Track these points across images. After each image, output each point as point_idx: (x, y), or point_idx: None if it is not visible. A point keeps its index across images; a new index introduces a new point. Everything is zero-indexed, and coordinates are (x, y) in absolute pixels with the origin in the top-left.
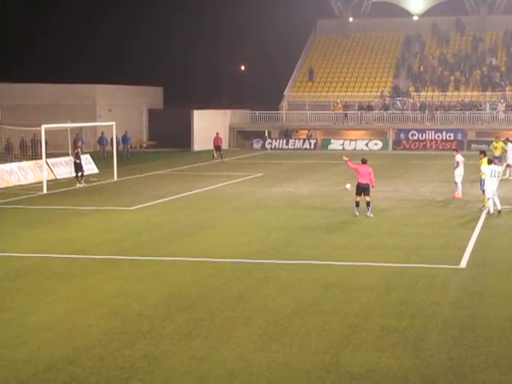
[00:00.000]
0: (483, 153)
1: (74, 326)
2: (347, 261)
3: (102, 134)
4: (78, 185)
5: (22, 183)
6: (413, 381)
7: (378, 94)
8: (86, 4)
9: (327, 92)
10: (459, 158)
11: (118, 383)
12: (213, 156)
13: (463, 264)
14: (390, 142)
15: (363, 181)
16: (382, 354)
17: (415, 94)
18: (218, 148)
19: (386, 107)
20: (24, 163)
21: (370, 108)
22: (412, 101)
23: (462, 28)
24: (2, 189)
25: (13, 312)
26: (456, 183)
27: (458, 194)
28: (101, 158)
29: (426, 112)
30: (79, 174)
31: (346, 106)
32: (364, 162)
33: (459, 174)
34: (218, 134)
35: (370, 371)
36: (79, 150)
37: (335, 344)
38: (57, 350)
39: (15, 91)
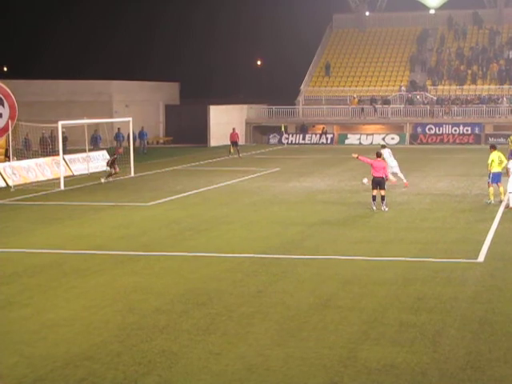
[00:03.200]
0: (493, 147)
1: (91, 322)
2: (364, 255)
3: (119, 129)
4: (102, 180)
5: (39, 179)
6: (431, 375)
7: (395, 88)
8: (103, 0)
9: (343, 86)
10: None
11: (136, 379)
12: (229, 151)
13: (481, 258)
14: (407, 136)
15: (378, 174)
16: (400, 348)
17: (432, 88)
18: (234, 143)
19: (409, 101)
20: (41, 159)
21: (386, 102)
22: (429, 95)
23: (479, 21)
24: (20, 185)
25: (31, 308)
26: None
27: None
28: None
29: (443, 106)
30: (108, 171)
31: (362, 101)
32: (379, 155)
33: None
34: (234, 129)
35: (388, 366)
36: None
37: (353, 339)
38: (74, 346)
39: (32, 88)
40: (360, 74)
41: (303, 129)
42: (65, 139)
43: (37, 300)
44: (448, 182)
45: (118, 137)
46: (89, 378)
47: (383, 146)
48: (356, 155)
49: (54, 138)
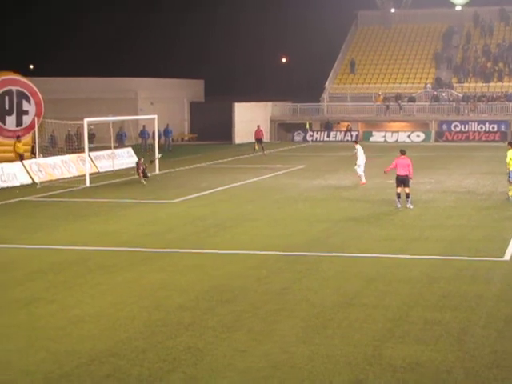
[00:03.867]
0: (511, 144)
1: (117, 319)
2: (389, 253)
3: (144, 127)
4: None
5: (65, 176)
6: (456, 374)
7: (421, 85)
8: None
9: (368, 84)
10: None
11: (161, 375)
12: (254, 149)
13: (507, 256)
14: (433, 133)
15: (402, 172)
16: (425, 347)
17: (458, 85)
18: (259, 141)
19: (435, 98)
20: (67, 157)
21: (411, 99)
22: (455, 92)
23: (505, 18)
24: (46, 182)
25: (57, 304)
26: None
27: None
28: (142, 151)
29: (469, 103)
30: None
31: (387, 98)
32: (403, 153)
33: None
34: (259, 126)
35: (413, 364)
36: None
37: (378, 337)
38: (100, 343)
39: (58, 85)
40: (385, 71)
41: (328, 126)
42: (92, 136)
43: (62, 296)
44: (473, 180)
45: (143, 134)
46: (114, 374)
47: (355, 142)
48: (385, 171)
49: (80, 136)
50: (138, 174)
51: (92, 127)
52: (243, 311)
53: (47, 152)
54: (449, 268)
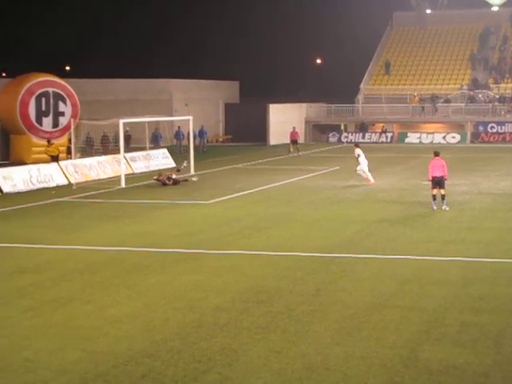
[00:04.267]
0: None
1: (152, 319)
2: (425, 255)
3: (179, 128)
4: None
5: (100, 177)
6: (494, 377)
7: (456, 86)
8: (163, 0)
9: (404, 85)
10: None
11: (196, 376)
12: (289, 150)
13: None
14: (468, 134)
15: (437, 173)
16: (462, 349)
17: (494, 86)
18: (294, 142)
19: (471, 99)
20: (103, 157)
21: (447, 101)
22: (491, 93)
23: None
24: (82, 183)
25: (93, 304)
26: None
27: None
28: (177, 153)
29: (506, 104)
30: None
31: (422, 99)
32: (436, 154)
33: None
34: (294, 128)
35: (449, 367)
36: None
37: (413, 339)
38: (136, 343)
39: (93, 86)
40: (420, 73)
41: (363, 127)
42: (128, 137)
43: (98, 296)
44: (510, 182)
45: (178, 135)
46: (150, 374)
47: (356, 145)
48: (429, 180)
49: (116, 137)
50: (168, 183)
51: (128, 129)
52: (278, 312)
53: (84, 153)
54: (485, 270)
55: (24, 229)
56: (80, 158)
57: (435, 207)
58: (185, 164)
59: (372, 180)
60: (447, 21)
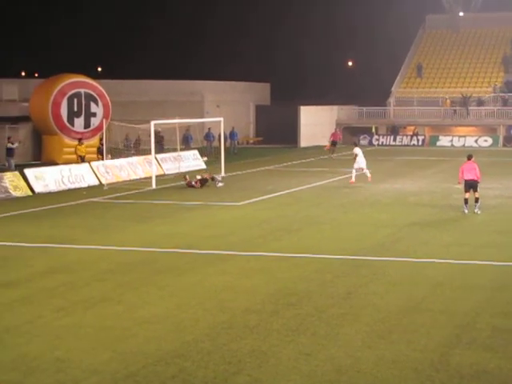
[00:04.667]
0: None
1: (182, 320)
2: (456, 259)
3: (209, 129)
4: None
5: (131, 178)
6: None
7: (489, 89)
8: (196, 2)
9: (436, 88)
10: None
11: (226, 378)
12: (328, 150)
13: None
14: (501, 138)
15: (470, 176)
16: (493, 354)
17: None
18: (334, 143)
19: (504, 102)
20: (134, 158)
21: (479, 104)
22: None
23: None
24: (113, 183)
25: (123, 305)
26: None
27: None
28: (208, 154)
29: None
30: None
31: (454, 102)
32: (469, 158)
33: None
34: (336, 129)
35: (480, 372)
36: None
37: (444, 343)
38: (166, 344)
39: (125, 88)
40: (453, 75)
41: (394, 130)
42: (161, 139)
43: (129, 297)
44: None
45: (208, 137)
46: (180, 375)
47: (355, 144)
48: (459, 183)
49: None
50: (196, 186)
51: (160, 130)
52: (308, 315)
53: (121, 154)
54: None
55: (55, 229)
56: (119, 158)
57: (467, 211)
58: (203, 159)
59: (369, 175)
60: (480, 23)
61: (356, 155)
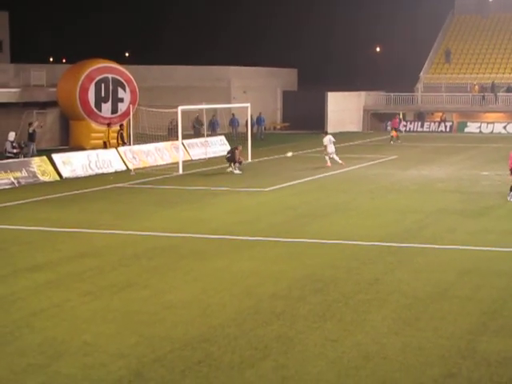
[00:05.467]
0: None
1: (208, 305)
2: (484, 246)
3: (233, 115)
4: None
5: (158, 164)
6: None
7: None
8: None
9: (464, 74)
10: None
11: (252, 363)
12: (392, 137)
13: None
14: None
15: None
16: None
17: None
18: (396, 129)
19: None
20: (161, 144)
21: (509, 90)
22: None
23: None
24: (140, 169)
25: (150, 289)
26: None
27: None
28: (234, 140)
29: None
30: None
31: (483, 88)
32: None
33: None
34: (397, 115)
35: (508, 359)
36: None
37: (471, 330)
38: (192, 328)
39: (152, 73)
40: (481, 61)
41: (421, 116)
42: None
43: (155, 282)
44: None
45: (233, 122)
46: (206, 360)
47: (326, 133)
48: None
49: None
50: (234, 162)
51: (197, 115)
52: (334, 301)
53: (142, 139)
54: None
55: (82, 214)
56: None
57: (510, 199)
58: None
59: (329, 163)
60: (509, 8)
61: (325, 146)
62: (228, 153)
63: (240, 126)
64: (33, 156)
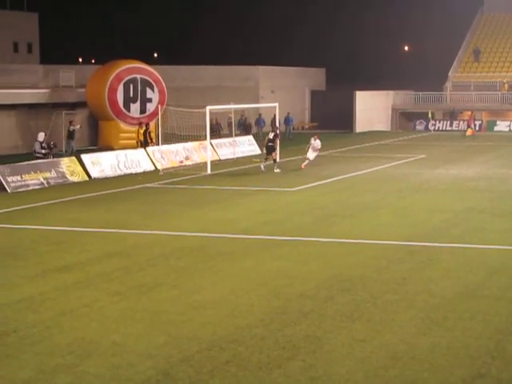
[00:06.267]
0: None
1: (236, 305)
2: None
3: (260, 115)
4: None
5: (186, 163)
6: None
7: None
8: None
9: (493, 72)
10: None
11: (280, 363)
12: (466, 135)
13: None
14: None
15: None
16: None
17: None
18: (470, 127)
19: None
20: (189, 144)
21: None
22: None
23: None
24: (168, 169)
25: (178, 289)
26: None
27: None
28: (261, 139)
29: None
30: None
31: None
32: None
33: None
34: (471, 113)
35: None
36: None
37: (501, 330)
38: (220, 329)
39: (181, 73)
40: (511, 60)
41: (453, 115)
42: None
43: (183, 282)
44: None
45: (259, 122)
46: (234, 360)
47: (318, 136)
48: None
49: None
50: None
51: (230, 115)
52: (363, 301)
53: (169, 140)
54: None
55: (111, 214)
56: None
57: None
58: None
59: (305, 164)
60: None
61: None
62: (269, 142)
63: (266, 125)
64: (72, 153)
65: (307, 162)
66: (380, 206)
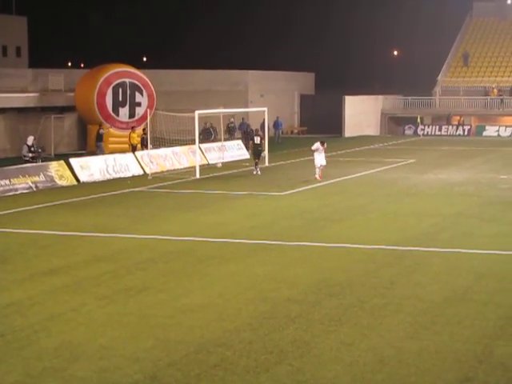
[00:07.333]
0: None
1: (224, 309)
2: (501, 249)
3: (242, 119)
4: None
5: (175, 168)
6: None
7: None
8: None
9: (482, 77)
10: None
11: (268, 367)
12: None
13: None
14: None
15: None
16: None
17: None
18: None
19: None
20: (178, 148)
21: None
22: None
23: None
24: (157, 173)
25: (166, 293)
26: None
27: None
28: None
29: None
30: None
31: (502, 91)
32: None
33: None
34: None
35: None
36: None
37: (488, 334)
38: (208, 332)
39: (170, 77)
40: (500, 65)
41: (448, 119)
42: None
43: (171, 286)
44: None
45: (242, 127)
46: (221, 364)
47: (322, 143)
48: None
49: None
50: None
51: (232, 119)
52: (350, 305)
53: (158, 144)
54: None
55: (100, 218)
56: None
57: None
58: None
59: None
60: None
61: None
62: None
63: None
64: (100, 153)
65: (321, 167)
66: (369, 210)
